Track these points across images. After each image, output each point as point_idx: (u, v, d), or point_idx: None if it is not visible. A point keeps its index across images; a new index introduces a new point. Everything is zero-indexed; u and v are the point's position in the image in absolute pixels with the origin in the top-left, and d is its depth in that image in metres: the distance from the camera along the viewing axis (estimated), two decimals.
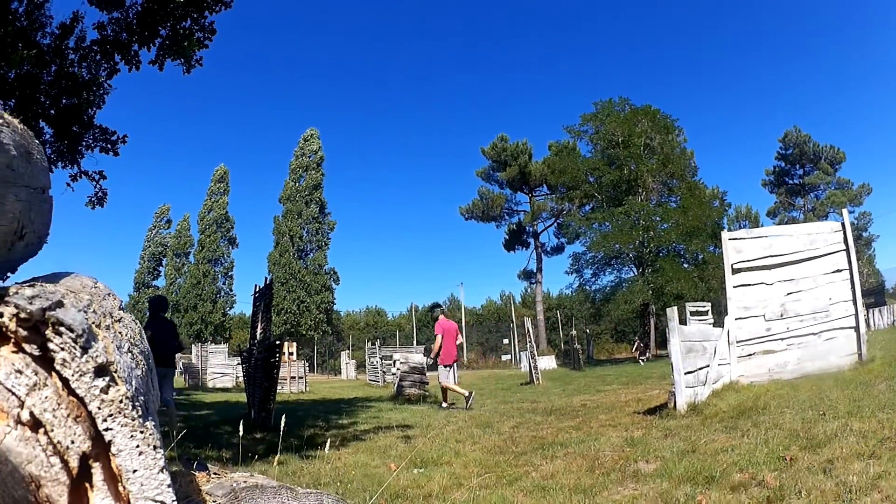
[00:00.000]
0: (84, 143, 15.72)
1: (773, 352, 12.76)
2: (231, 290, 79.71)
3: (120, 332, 1.60)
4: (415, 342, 72.98)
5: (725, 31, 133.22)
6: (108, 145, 15.92)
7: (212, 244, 76.89)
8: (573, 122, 64.13)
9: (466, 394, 16.84)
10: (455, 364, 17.87)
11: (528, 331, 29.42)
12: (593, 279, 54.73)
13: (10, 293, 1.33)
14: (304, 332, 73.03)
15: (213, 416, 17.05)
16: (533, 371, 26.11)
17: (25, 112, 14.46)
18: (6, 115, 1.71)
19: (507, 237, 75.79)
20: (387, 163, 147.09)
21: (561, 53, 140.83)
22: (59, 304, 1.36)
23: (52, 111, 15.11)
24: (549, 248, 75.17)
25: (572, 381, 26.37)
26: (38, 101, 14.72)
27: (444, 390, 17.65)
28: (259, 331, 15.53)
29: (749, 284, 13.03)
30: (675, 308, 10.99)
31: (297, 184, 75.24)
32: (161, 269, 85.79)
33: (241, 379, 40.78)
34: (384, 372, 36.75)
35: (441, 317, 18.73)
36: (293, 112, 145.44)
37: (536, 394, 20.24)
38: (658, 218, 50.84)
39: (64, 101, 15.11)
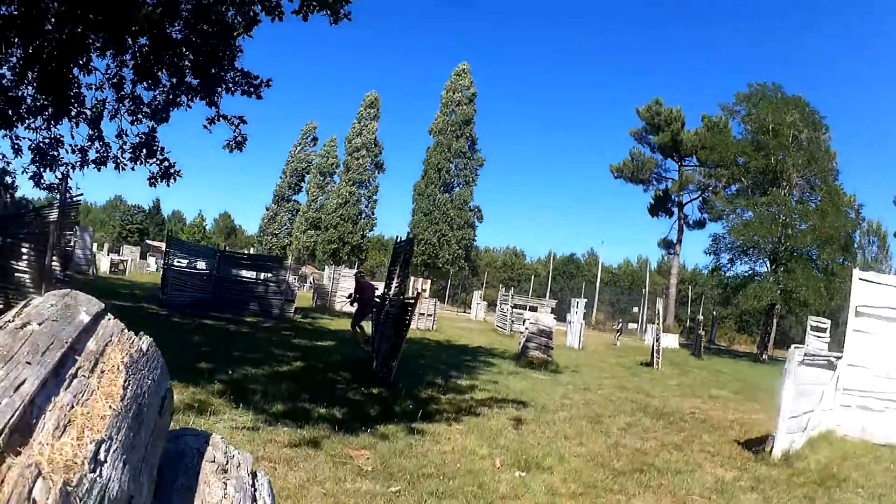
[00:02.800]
0: (224, 87, 16.14)
1: (871, 410, 12.38)
2: (373, 214, 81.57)
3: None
4: (548, 292, 73.15)
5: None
6: (251, 89, 16.31)
7: (359, 167, 78.53)
8: (728, 98, 62.61)
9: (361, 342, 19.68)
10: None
11: (659, 311, 29.19)
12: (729, 265, 53.23)
13: None
14: (440, 266, 74.19)
15: (334, 354, 17.54)
16: (655, 354, 25.93)
17: (159, 55, 15.08)
18: None
19: (652, 202, 75.47)
20: (539, 104, 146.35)
21: (728, 22, 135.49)
22: None
23: (191, 54, 15.57)
24: (691, 221, 74.75)
25: (689, 371, 26.07)
26: (175, 44, 15.23)
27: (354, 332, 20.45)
28: (395, 284, 15.74)
29: (868, 332, 12.59)
30: (796, 351, 10.65)
31: (449, 118, 75.69)
32: (303, 184, 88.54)
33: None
34: (512, 321, 37.16)
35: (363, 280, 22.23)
36: (447, 44, 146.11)
37: (653, 383, 20.10)
38: (797, 216, 49.07)
39: (202, 45, 15.32)
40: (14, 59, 15.71)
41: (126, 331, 1.88)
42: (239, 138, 16.85)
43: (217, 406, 9.02)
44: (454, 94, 76.40)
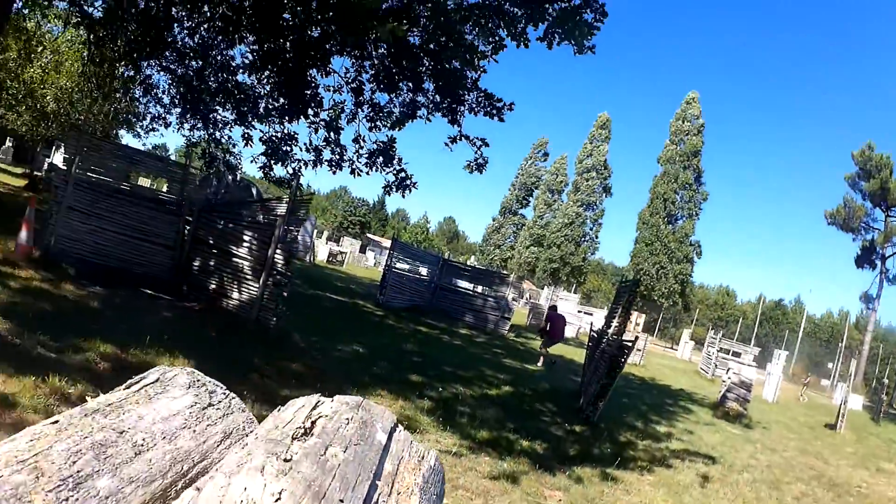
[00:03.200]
0: (467, 107, 16.52)
1: None
2: (597, 237, 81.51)
3: None
4: (753, 337, 70.71)
5: None
6: (494, 111, 16.49)
7: (587, 189, 78.71)
8: None
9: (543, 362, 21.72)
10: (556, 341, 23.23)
11: (851, 372, 28.04)
12: None
13: None
14: (655, 298, 73.30)
15: (543, 382, 17.84)
16: (840, 417, 25.00)
17: (399, 62, 15.86)
18: None
19: (858, 252, 71.02)
20: (760, 140, 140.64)
21: None
22: None
23: (435, 72, 15.98)
24: (891, 276, 69.16)
25: (866, 438, 24.82)
26: (415, 54, 15.70)
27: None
28: (615, 323, 16.01)
29: None
30: None
31: (678, 147, 74.58)
32: (530, 199, 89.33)
33: (584, 331, 42.32)
34: (716, 366, 36.65)
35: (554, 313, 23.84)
36: (677, 70, 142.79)
37: (832, 448, 19.51)
38: None
39: (447, 64, 15.66)
40: (251, 58, 17.07)
41: (414, 444, 1.95)
42: (480, 160, 17.10)
43: (425, 425, 9.62)
44: (683, 122, 75.37)
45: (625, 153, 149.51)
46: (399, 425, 1.96)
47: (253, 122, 18.26)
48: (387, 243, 68.35)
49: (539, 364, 21.56)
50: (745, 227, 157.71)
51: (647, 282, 73.00)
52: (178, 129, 22.63)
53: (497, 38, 15.16)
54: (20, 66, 34.07)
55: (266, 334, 12.91)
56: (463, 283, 30.64)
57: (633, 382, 23.89)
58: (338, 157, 17.89)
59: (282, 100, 17.15)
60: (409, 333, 20.31)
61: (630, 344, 14.59)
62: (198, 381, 2.09)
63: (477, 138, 16.90)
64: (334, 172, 18.07)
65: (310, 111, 17.23)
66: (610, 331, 16.26)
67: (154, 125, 25.13)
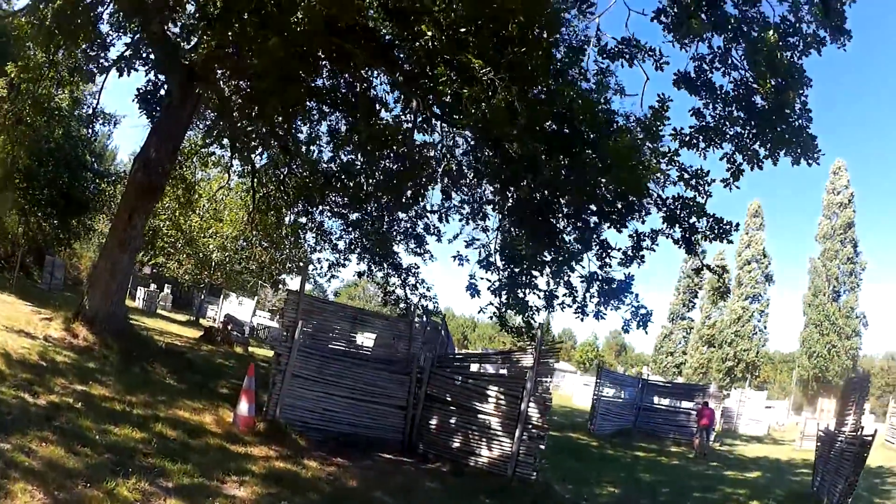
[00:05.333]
0: (699, 233, 15.50)
1: None
2: (765, 328, 78.66)
3: None
4: None
5: None
6: (722, 234, 15.21)
7: (750, 281, 76.38)
8: None
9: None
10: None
11: None
12: None
13: None
14: (829, 378, 69.84)
15: (773, 489, 17.55)
16: None
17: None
18: None
19: None
20: None
21: None
22: None
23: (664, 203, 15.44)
24: None
25: None
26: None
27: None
28: (851, 420, 15.19)
29: None
30: None
31: (831, 221, 71.76)
32: (695, 301, 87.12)
33: (773, 427, 40.20)
34: None
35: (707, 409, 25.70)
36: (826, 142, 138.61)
37: None
38: None
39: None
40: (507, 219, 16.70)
41: None
42: (722, 288, 16.32)
43: None
44: (834, 195, 72.41)
45: (776, 238, 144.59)
46: None
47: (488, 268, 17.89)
48: (563, 366, 67.17)
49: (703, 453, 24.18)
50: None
51: (820, 363, 69.97)
52: (367, 275, 22.52)
53: (736, 163, 14.64)
54: (180, 214, 35.33)
55: (530, 490, 12.20)
56: (660, 400, 30.30)
57: None
58: (570, 298, 17.13)
59: (530, 244, 16.49)
60: (631, 460, 20.33)
61: (871, 439, 13.70)
62: None
63: (718, 266, 16.23)
64: (563, 310, 17.47)
65: (548, 254, 16.58)
66: (846, 429, 15.44)
67: (333, 272, 25.23)
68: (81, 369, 12.50)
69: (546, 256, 16.36)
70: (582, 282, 16.34)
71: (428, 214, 21.74)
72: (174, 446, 9.51)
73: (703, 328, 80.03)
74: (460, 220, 19.98)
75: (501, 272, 17.79)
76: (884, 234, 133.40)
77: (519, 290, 17.41)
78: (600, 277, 15.99)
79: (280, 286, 41.76)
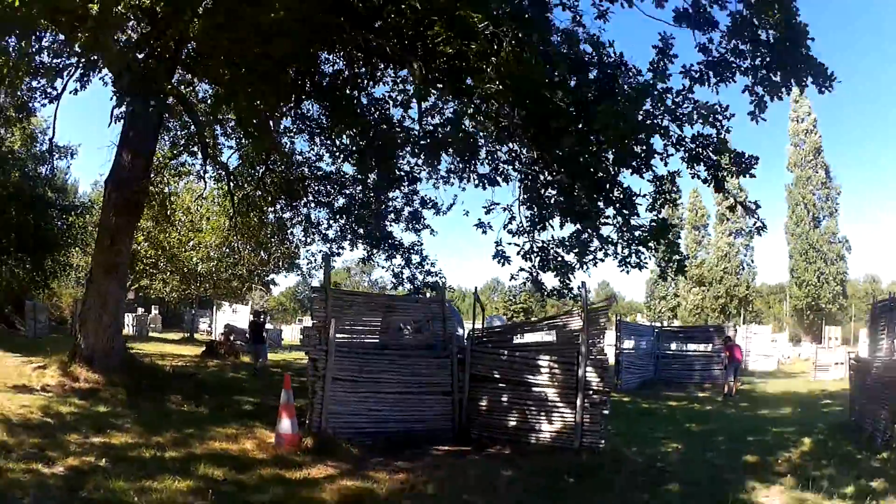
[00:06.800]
0: (724, 169, 14.92)
1: None
2: (752, 262, 79.66)
3: None
4: None
5: None
6: (745, 168, 14.48)
7: (732, 216, 76.60)
8: None
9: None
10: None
11: None
12: None
13: None
14: (822, 307, 70.35)
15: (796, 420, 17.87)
16: None
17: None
18: None
19: None
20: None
21: None
22: None
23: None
24: None
25: None
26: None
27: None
28: (884, 346, 15.03)
29: None
30: None
31: (799, 148, 72.12)
32: (679, 241, 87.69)
33: (780, 361, 40.17)
34: None
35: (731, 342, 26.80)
36: None
37: None
38: None
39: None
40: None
41: None
42: (760, 224, 15.64)
43: None
44: (798, 123, 72.60)
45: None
46: None
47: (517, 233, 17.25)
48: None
49: (730, 393, 24.30)
50: (874, 206, 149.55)
51: (811, 291, 70.98)
52: (369, 259, 21.77)
53: (759, 95, 13.76)
54: (159, 231, 34.56)
55: (605, 460, 11.58)
56: (676, 347, 30.21)
57: None
58: (602, 251, 16.47)
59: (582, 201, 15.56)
60: (669, 413, 19.92)
61: None
62: None
63: (752, 202, 15.43)
64: (596, 265, 17.07)
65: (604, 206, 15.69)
66: (881, 355, 15.35)
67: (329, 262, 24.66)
68: (93, 417, 11.51)
69: (602, 208, 15.54)
70: (617, 231, 15.64)
71: (421, 188, 21.45)
72: (228, 489, 8.43)
73: (692, 269, 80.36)
74: (476, 186, 19.32)
75: (530, 234, 17.28)
76: (852, 155, 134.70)
77: (553, 250, 17.00)
78: (634, 225, 15.32)
79: (272, 287, 41.09)
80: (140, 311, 46.59)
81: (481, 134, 17.35)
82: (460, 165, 19.74)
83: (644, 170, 14.79)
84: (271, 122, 17.16)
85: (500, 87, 11.60)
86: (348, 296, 15.42)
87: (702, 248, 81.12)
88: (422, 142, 17.30)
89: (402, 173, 20.12)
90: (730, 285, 75.98)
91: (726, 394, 24.22)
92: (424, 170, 20.26)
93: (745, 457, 12.36)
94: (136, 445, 9.93)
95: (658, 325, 33.25)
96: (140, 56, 13.41)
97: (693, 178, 14.73)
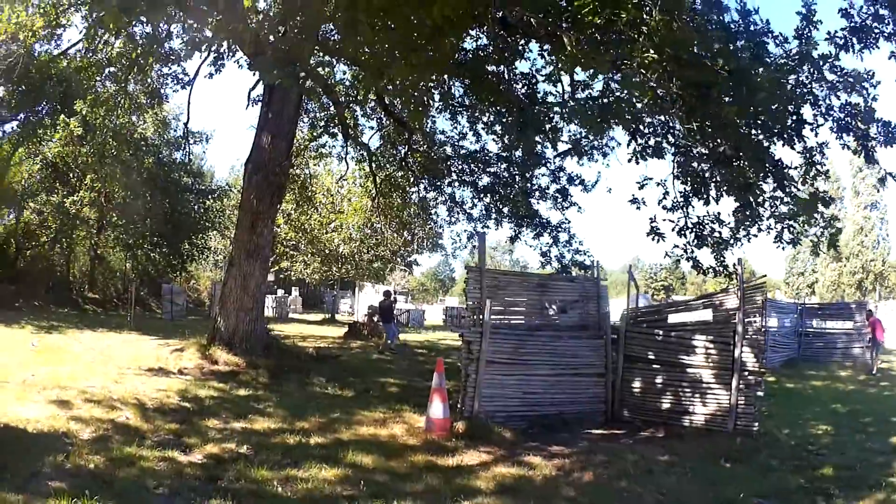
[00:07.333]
0: (873, 139, 14.37)
1: None
2: (887, 236, 76.80)
3: None
4: None
5: None
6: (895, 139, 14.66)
7: (866, 188, 73.93)
8: None
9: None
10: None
11: None
12: None
13: None
14: None
15: None
16: None
17: None
18: None
19: None
20: None
21: None
22: None
23: None
24: None
25: None
26: None
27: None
28: None
29: None
30: None
31: None
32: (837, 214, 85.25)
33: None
34: None
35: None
36: None
37: None
38: None
39: None
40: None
41: None
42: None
43: None
44: None
45: None
46: None
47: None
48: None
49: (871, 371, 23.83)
50: None
51: None
52: (516, 238, 21.53)
53: None
54: (300, 213, 35.28)
55: (760, 444, 11.39)
56: (817, 324, 29.68)
57: None
58: (756, 227, 16.08)
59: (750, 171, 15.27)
60: (814, 393, 19.40)
61: None
62: None
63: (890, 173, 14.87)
64: (749, 241, 16.53)
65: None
66: None
67: (473, 242, 24.52)
68: (233, 401, 11.55)
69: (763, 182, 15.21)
70: (772, 205, 15.34)
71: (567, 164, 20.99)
72: (379, 478, 8.06)
73: (823, 243, 78.12)
74: (629, 160, 18.98)
75: (685, 209, 16.86)
76: None
77: (709, 226, 16.65)
78: (796, 197, 14.93)
79: (414, 267, 41.40)
80: (280, 292, 47.22)
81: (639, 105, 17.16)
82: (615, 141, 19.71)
83: (796, 140, 14.46)
84: (425, 97, 17.27)
85: (656, 55, 11.47)
86: (503, 276, 15.08)
87: (840, 222, 78.64)
88: (589, 113, 17.15)
89: (567, 147, 19.43)
90: (866, 260, 73.29)
91: (870, 372, 23.72)
92: (590, 142, 19.74)
93: (894, 439, 12.04)
94: (279, 431, 9.87)
95: (800, 302, 32.29)
96: (279, 33, 13.48)
97: (844, 148, 14.31)
